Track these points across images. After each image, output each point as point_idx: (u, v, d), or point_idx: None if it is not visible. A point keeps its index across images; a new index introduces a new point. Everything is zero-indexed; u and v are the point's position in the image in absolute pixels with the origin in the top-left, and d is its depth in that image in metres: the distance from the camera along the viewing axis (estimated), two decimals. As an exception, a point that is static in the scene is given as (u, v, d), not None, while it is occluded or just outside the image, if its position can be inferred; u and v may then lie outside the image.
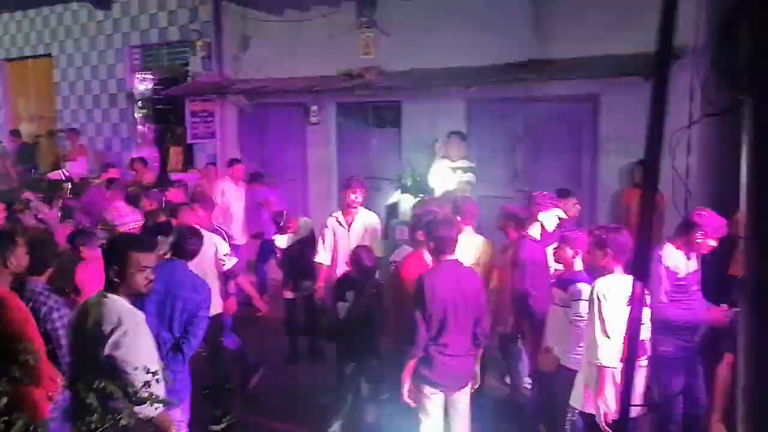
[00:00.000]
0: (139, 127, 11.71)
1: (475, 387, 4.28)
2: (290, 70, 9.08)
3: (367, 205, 6.06)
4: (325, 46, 8.77)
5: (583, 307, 3.96)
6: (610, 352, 3.67)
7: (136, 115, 11.68)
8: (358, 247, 4.93)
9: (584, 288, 4.02)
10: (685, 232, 4.28)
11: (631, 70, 6.40)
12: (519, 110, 7.78)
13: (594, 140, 7.41)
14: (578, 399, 3.84)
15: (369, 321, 4.55)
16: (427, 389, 4.04)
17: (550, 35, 7.31)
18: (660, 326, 3.94)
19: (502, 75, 7.39)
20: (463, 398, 4.15)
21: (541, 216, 4.98)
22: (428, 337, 3.98)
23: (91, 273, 4.39)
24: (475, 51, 7.64)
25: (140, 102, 11.63)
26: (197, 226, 4.85)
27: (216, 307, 5.22)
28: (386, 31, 8.36)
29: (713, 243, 4.22)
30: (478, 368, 4.25)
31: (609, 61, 6.79)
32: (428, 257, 4.45)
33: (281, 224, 6.35)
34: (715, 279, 4.52)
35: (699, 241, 4.20)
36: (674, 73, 6.84)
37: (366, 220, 5.83)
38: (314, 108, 9.16)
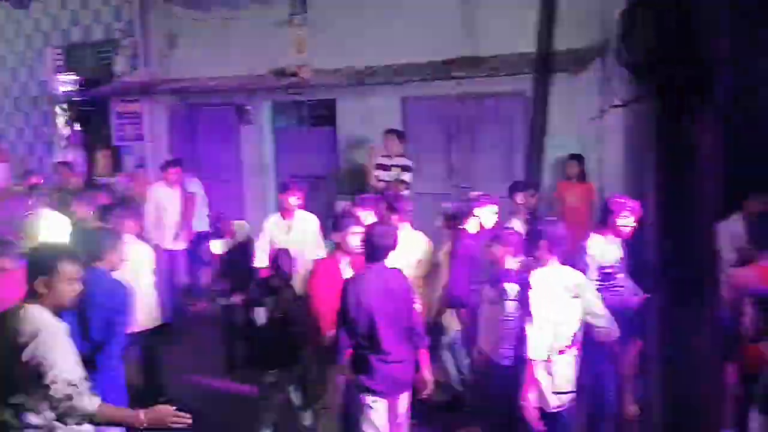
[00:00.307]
0: (63, 130, 11.23)
1: (428, 393, 4.22)
2: (221, 69, 8.88)
3: (306, 204, 5.99)
4: (256, 44, 8.62)
5: (511, 306, 4.02)
6: (537, 345, 3.74)
7: (59, 117, 11.20)
8: (278, 250, 4.86)
9: (511, 287, 4.08)
10: (604, 220, 4.46)
11: (558, 67, 6.55)
12: (453, 107, 7.86)
13: (526, 135, 7.53)
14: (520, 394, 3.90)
15: (288, 327, 4.46)
16: (370, 399, 3.95)
17: (480, 32, 7.40)
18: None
19: (435, 72, 7.44)
20: (403, 403, 4.12)
21: (477, 212, 5.05)
22: (366, 346, 3.92)
23: (9, 284, 4.16)
24: (408, 48, 7.66)
25: (63, 104, 11.14)
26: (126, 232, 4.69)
27: (156, 320, 5.09)
28: (319, 28, 8.28)
29: (632, 224, 4.38)
30: (428, 373, 4.16)
31: (533, 59, 6.93)
32: (345, 263, 4.40)
33: (218, 228, 6.20)
34: (644, 265, 4.70)
35: (618, 226, 4.38)
36: (597, 68, 7.06)
37: (305, 222, 5.75)
38: (247, 107, 9.00)
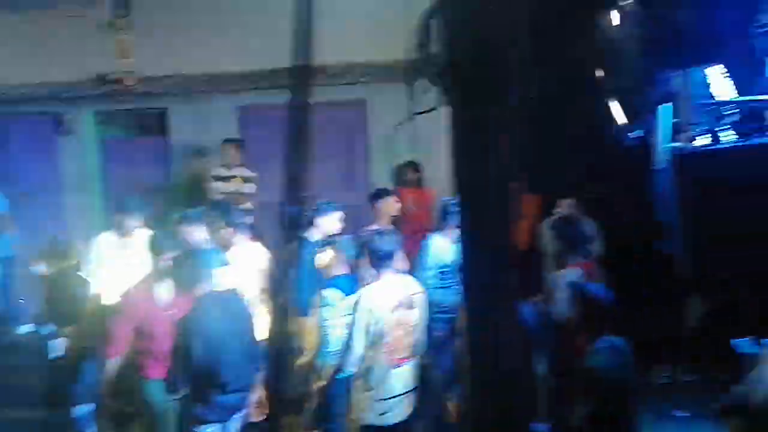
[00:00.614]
0: None
1: (262, 416, 4.06)
2: (35, 76, 8.04)
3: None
4: (76, 48, 7.91)
5: (327, 312, 4.02)
6: (350, 360, 3.76)
7: None
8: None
9: (331, 293, 4.07)
10: (443, 222, 4.71)
11: (392, 77, 6.72)
12: (292, 116, 7.79)
13: (365, 144, 7.69)
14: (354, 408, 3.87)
15: (90, 357, 4.13)
16: (203, 428, 3.77)
17: (318, 40, 7.39)
18: (431, 311, 4.17)
19: (272, 80, 7.33)
20: (235, 424, 3.96)
21: (320, 220, 5.01)
22: (205, 380, 3.72)
23: None
24: (244, 55, 7.47)
25: None
26: None
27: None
28: (146, 32, 7.80)
29: None
30: (263, 395, 4.01)
31: (373, 68, 7.08)
32: (163, 288, 4.18)
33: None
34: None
35: (456, 227, 4.60)
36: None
37: (144, 240, 5.36)
38: (67, 117, 8.26)
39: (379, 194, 5.72)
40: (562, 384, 3.78)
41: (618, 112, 5.79)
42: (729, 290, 4.17)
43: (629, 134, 5.62)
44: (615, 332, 3.36)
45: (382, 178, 7.56)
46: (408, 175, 7.36)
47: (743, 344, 3.77)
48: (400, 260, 4.91)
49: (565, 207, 5.84)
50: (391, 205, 5.62)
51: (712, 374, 4.62)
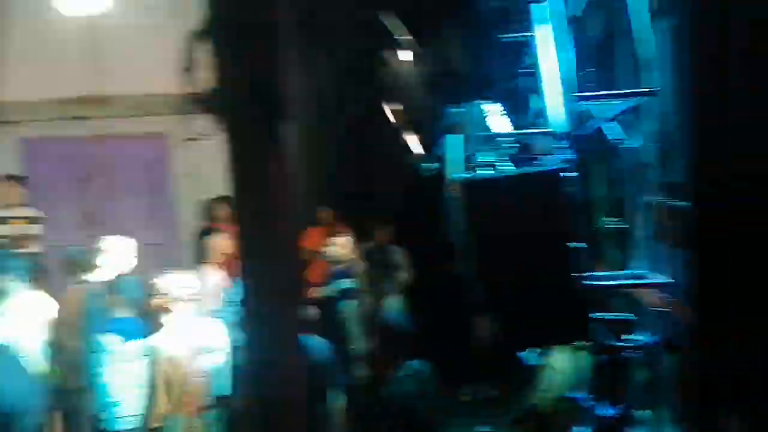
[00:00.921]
0: None
1: None
2: None
3: None
4: None
5: (106, 358, 3.81)
6: (144, 413, 3.59)
7: None
8: None
9: (111, 338, 3.87)
10: None
11: (190, 109, 6.53)
12: (85, 149, 7.28)
13: (167, 178, 7.36)
14: None
15: None
16: None
17: (111, 70, 7.00)
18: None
19: (58, 111, 6.79)
20: None
21: (106, 259, 4.66)
22: None
23: None
24: (26, 84, 6.81)
25: None
26: None
27: None
28: None
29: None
30: None
31: (169, 100, 6.83)
32: None
33: None
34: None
35: None
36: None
37: None
38: None
39: (208, 232, 5.46)
40: (363, 414, 3.83)
41: (414, 144, 6.16)
42: (511, 307, 4.54)
43: (425, 164, 5.98)
44: (416, 357, 3.48)
45: (188, 214, 7.28)
46: (218, 211, 7.10)
47: (529, 356, 4.13)
48: (208, 301, 4.72)
49: (342, 239, 5.87)
50: (222, 243, 5.34)
51: (508, 387, 4.97)
